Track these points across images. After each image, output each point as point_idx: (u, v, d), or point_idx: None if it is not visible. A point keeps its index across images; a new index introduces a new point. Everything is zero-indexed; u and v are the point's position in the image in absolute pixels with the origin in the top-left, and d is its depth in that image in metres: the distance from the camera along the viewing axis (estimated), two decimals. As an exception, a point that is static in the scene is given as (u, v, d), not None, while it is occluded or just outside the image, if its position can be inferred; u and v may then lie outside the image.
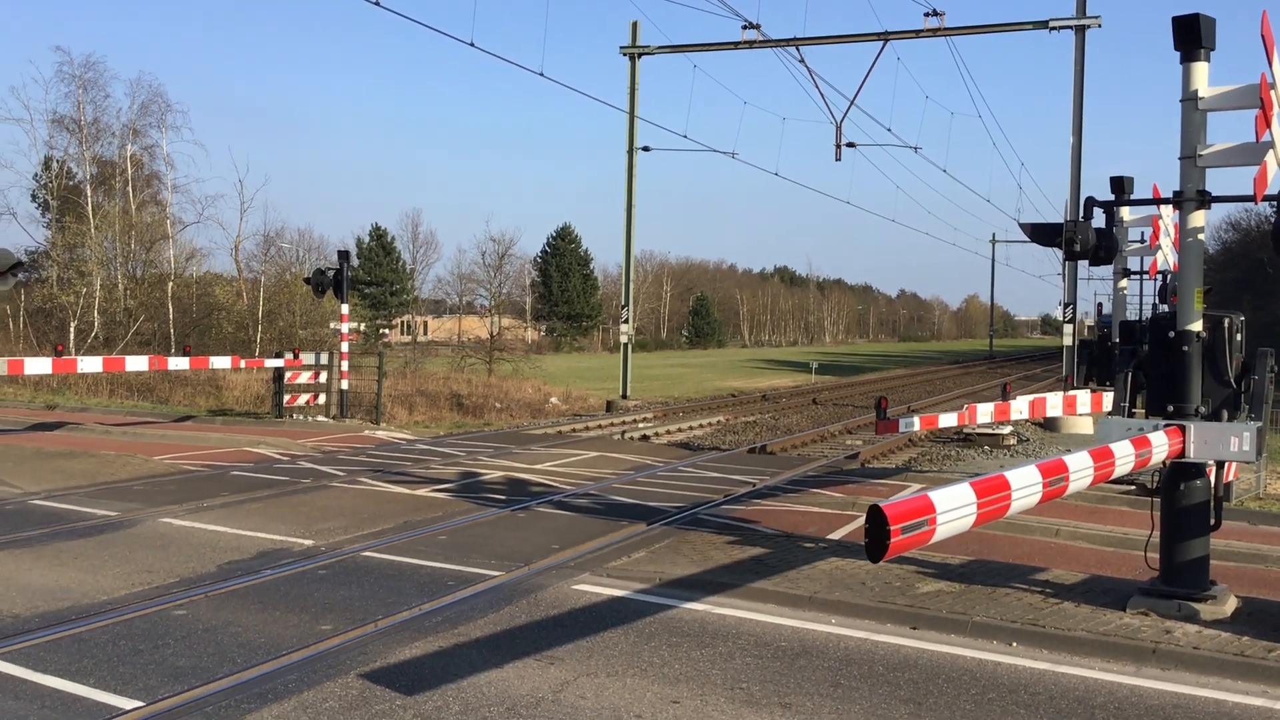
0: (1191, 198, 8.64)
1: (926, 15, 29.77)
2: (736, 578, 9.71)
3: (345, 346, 25.19)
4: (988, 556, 10.81)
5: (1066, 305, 30.45)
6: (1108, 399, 14.55)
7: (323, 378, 24.86)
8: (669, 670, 7.51)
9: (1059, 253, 9.45)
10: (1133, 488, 14.71)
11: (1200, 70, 8.49)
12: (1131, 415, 9.14)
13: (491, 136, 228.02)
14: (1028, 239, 9.49)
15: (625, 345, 35.55)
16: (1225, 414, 8.60)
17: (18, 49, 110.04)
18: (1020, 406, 15.10)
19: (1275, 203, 8.59)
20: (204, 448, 19.42)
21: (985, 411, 14.95)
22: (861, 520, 8.89)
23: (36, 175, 53.54)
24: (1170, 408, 8.65)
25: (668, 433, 26.55)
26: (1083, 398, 15.58)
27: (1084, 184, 29.48)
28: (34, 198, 54.40)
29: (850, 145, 31.75)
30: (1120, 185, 12.96)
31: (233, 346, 42.59)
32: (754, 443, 23.74)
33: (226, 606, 8.93)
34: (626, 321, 35.43)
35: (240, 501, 13.78)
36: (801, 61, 30.34)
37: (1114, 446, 7.58)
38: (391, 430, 23.77)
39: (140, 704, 6.67)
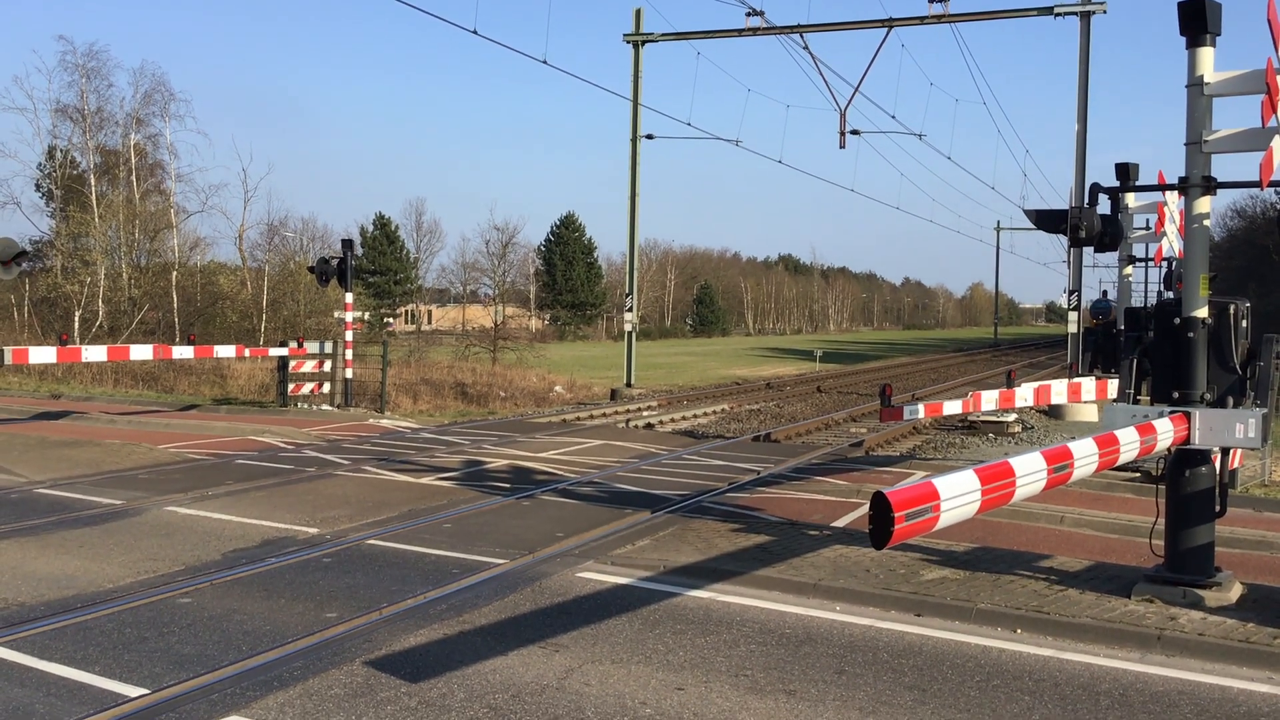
0: (1197, 183, 8.60)
1: (930, 1, 29.71)
2: (741, 565, 9.72)
3: (349, 335, 25.20)
4: (992, 543, 10.80)
5: (1072, 292, 30.42)
6: (1113, 386, 14.55)
7: (327, 366, 24.88)
8: (673, 657, 7.52)
9: (1064, 240, 9.41)
10: (1138, 475, 14.69)
11: (1206, 55, 8.44)
12: (1137, 402, 9.12)
13: (495, 125, 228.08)
14: (1033, 226, 9.45)
15: (629, 334, 35.56)
16: (1230, 400, 8.58)
17: (21, 38, 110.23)
18: (1025, 394, 15.07)
19: (1281, 188, 8.55)
20: (209, 436, 19.45)
21: (990, 399, 14.92)
22: (866, 507, 8.88)
23: (40, 165, 53.73)
24: (1175, 394, 8.63)
25: (672, 421, 26.56)
26: (1088, 385, 15.55)
27: (1089, 170, 29.48)
28: (38, 187, 54.58)
29: (854, 132, 31.70)
30: (1125, 171, 12.94)
31: (237, 335, 42.60)
32: (758, 430, 23.74)
33: (231, 594, 8.95)
34: (630, 310, 35.43)
35: (245, 490, 13.80)
36: (805, 48, 30.28)
37: (1119, 433, 7.56)
38: (396, 419, 23.79)
39: (145, 691, 6.69)
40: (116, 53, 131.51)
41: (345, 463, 16.20)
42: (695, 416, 28.01)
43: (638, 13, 33.76)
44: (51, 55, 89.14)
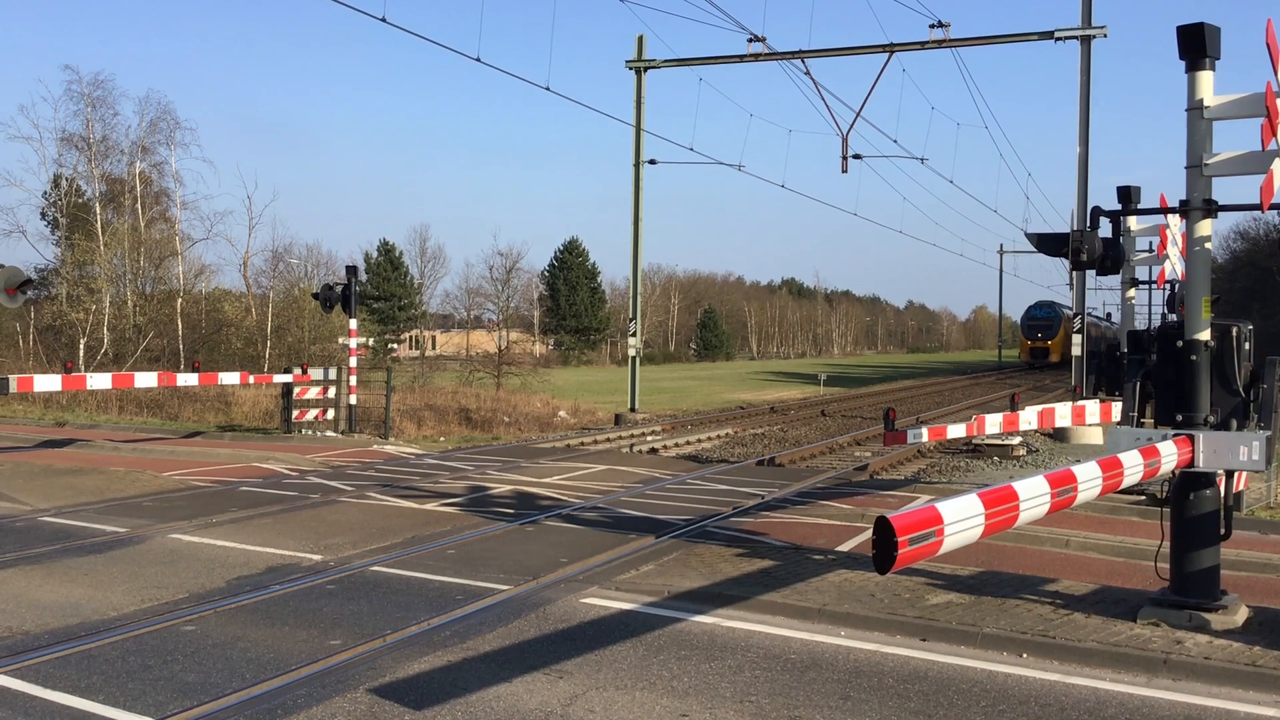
0: (1198, 206, 8.63)
1: (932, 27, 29.83)
2: (745, 590, 9.70)
3: (354, 361, 25.24)
4: (998, 567, 10.78)
5: (1075, 315, 30.42)
6: (1117, 409, 14.54)
7: (331, 393, 24.91)
8: (678, 683, 7.49)
9: (1066, 263, 9.44)
10: (1142, 498, 14.65)
11: (1205, 79, 8.49)
12: (1140, 425, 9.11)
13: (499, 151, 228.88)
14: (1035, 249, 9.48)
15: (633, 358, 35.55)
16: (1234, 423, 8.58)
17: (27, 68, 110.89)
18: (1029, 417, 15.09)
19: (1282, 211, 8.58)
20: (213, 463, 19.45)
21: (994, 422, 14.93)
22: (870, 532, 8.88)
23: (46, 193, 53.83)
24: (1179, 417, 8.64)
25: (676, 445, 26.53)
26: (1091, 408, 15.56)
27: (1091, 194, 29.50)
28: (43, 215, 54.71)
29: (857, 157, 31.81)
30: (1127, 195, 12.95)
31: (242, 362, 42.66)
32: (762, 455, 23.70)
33: (235, 622, 8.93)
34: (634, 334, 35.44)
35: (249, 517, 13.80)
36: (807, 74, 30.43)
37: (1123, 456, 7.56)
38: (400, 445, 23.79)
39: (150, 719, 6.69)
40: (123, 81, 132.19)
41: (349, 489, 16.20)
42: (699, 441, 27.98)
43: (640, 39, 33.93)
44: (57, 84, 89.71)
